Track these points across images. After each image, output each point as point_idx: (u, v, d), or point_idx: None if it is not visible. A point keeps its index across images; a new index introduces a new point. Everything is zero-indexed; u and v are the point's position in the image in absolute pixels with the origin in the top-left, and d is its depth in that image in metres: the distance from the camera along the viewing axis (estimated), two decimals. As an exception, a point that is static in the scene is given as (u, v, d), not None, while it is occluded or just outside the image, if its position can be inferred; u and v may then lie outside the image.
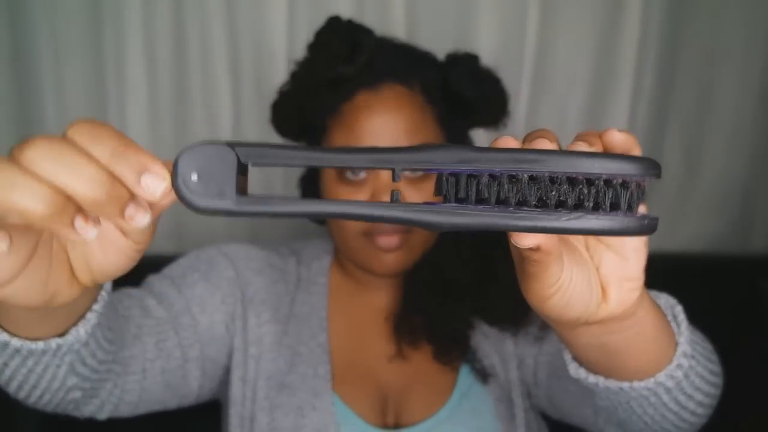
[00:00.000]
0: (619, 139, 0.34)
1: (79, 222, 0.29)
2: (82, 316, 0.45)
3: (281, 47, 1.02)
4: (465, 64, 0.74)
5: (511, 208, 0.30)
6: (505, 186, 0.30)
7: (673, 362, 0.46)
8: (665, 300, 0.52)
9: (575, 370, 0.49)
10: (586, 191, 0.30)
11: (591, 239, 0.38)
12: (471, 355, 0.74)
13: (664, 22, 1.04)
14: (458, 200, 0.30)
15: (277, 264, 0.79)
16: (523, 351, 0.74)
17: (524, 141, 0.33)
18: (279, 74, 0.99)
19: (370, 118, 0.68)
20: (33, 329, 0.44)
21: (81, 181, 0.29)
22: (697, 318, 0.54)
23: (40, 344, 0.44)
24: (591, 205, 0.30)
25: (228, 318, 0.72)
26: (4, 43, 0.99)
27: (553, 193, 0.30)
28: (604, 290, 0.38)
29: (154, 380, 0.63)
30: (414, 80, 0.70)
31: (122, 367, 0.58)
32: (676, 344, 0.47)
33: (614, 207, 0.30)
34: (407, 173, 0.69)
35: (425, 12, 1.03)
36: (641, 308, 0.40)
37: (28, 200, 0.28)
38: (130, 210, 0.30)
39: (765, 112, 1.10)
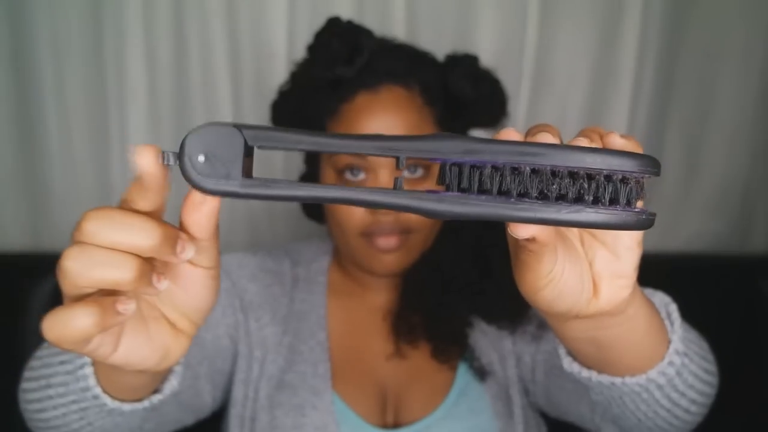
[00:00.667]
0: (620, 144, 0.34)
1: (155, 278, 0.33)
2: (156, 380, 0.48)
3: (281, 47, 1.02)
4: (464, 65, 0.74)
5: (513, 199, 0.30)
6: (507, 177, 0.30)
7: (664, 359, 0.47)
8: (659, 298, 0.52)
9: (569, 365, 0.50)
10: (586, 185, 0.30)
11: (586, 235, 0.38)
12: (469, 353, 0.74)
13: (664, 22, 1.04)
14: (461, 190, 0.31)
15: (270, 267, 0.79)
16: (521, 349, 0.74)
17: (527, 134, 0.33)
18: (279, 74, 0.99)
19: (370, 119, 0.68)
20: (131, 392, 0.48)
21: (139, 235, 0.32)
22: (696, 318, 0.55)
23: (145, 403, 0.48)
24: (591, 199, 0.30)
25: (231, 329, 0.73)
26: (4, 43, 0.99)
27: (554, 186, 0.30)
28: (595, 286, 0.38)
29: (169, 404, 0.63)
30: (413, 82, 0.71)
31: None
32: (669, 342, 0.47)
33: (613, 202, 0.30)
34: (406, 174, 0.70)
35: (425, 12, 1.03)
36: (632, 305, 0.41)
37: (117, 271, 0.31)
38: (180, 246, 0.33)
39: (765, 112, 1.10)
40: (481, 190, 0.30)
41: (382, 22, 1.01)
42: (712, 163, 1.12)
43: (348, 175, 0.70)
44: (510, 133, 0.32)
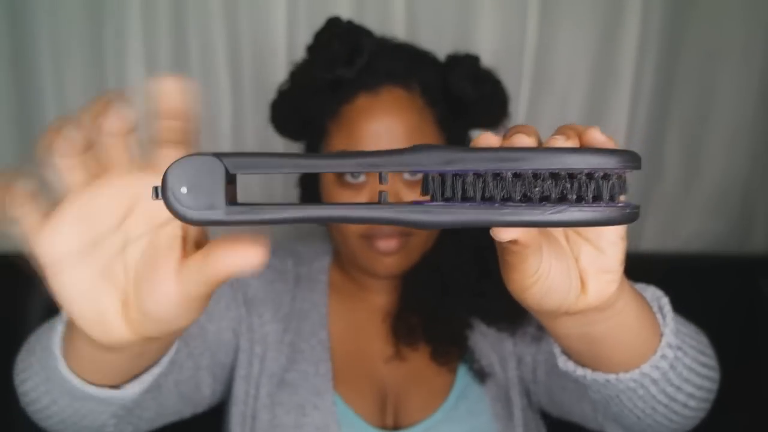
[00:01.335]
0: (600, 140, 0.34)
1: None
2: (137, 376, 0.47)
3: (281, 47, 1.02)
4: (465, 65, 0.74)
5: (497, 205, 0.30)
6: (490, 184, 0.30)
7: (657, 353, 0.47)
8: (651, 292, 0.52)
9: (563, 363, 0.50)
10: (568, 185, 0.31)
11: (570, 232, 0.39)
12: (469, 355, 0.74)
13: (664, 22, 1.04)
14: (445, 199, 0.31)
15: (273, 264, 0.79)
16: (522, 350, 0.74)
17: (504, 137, 0.34)
18: (279, 74, 0.99)
19: (370, 121, 0.68)
20: (95, 371, 0.45)
21: None
22: (696, 318, 0.54)
23: (93, 389, 0.46)
24: (574, 197, 0.31)
25: (234, 323, 0.73)
26: (4, 43, 0.99)
27: (537, 188, 0.30)
28: (583, 282, 0.39)
29: (170, 394, 0.63)
30: (414, 82, 0.70)
31: None
32: (662, 335, 0.47)
33: (597, 198, 0.31)
34: (407, 175, 0.69)
35: (425, 12, 1.03)
36: (621, 299, 0.41)
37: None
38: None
39: (765, 112, 1.10)
40: (465, 198, 0.31)
41: (382, 22, 1.01)
42: (712, 163, 1.12)
43: (348, 177, 0.70)
44: (488, 138, 0.33)
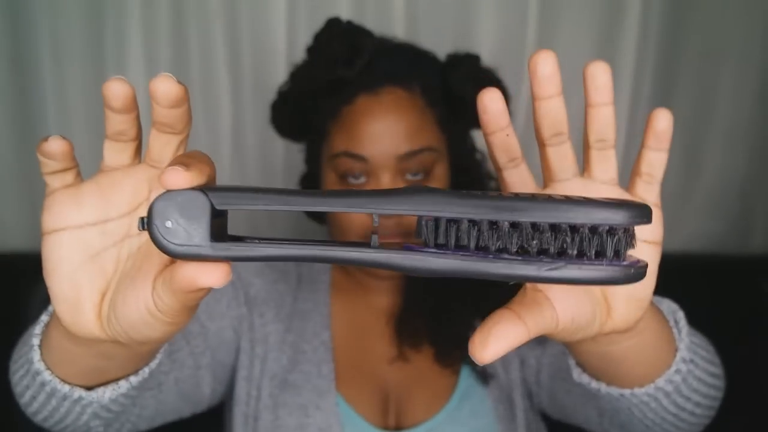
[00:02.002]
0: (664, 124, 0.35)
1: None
2: (115, 381, 0.46)
3: (281, 47, 1.02)
4: (466, 65, 0.73)
5: (491, 256, 0.29)
6: (485, 233, 0.29)
7: (671, 368, 0.47)
8: (667, 305, 0.53)
9: (578, 376, 0.50)
10: (569, 239, 0.28)
11: None
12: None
13: (664, 23, 1.04)
14: (438, 245, 0.30)
15: (275, 264, 0.79)
16: (526, 352, 0.74)
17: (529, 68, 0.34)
18: (279, 74, 0.99)
19: (371, 122, 0.68)
20: (66, 365, 0.44)
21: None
22: (696, 318, 0.55)
23: (65, 388, 0.45)
24: (575, 252, 0.29)
25: (235, 322, 0.73)
26: (4, 43, 0.99)
27: (535, 241, 0.28)
28: (609, 306, 0.38)
29: (170, 392, 0.63)
30: (414, 83, 0.70)
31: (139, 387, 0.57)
32: (676, 350, 0.48)
33: (600, 254, 0.29)
34: (408, 176, 0.69)
35: (425, 12, 1.03)
36: (643, 320, 0.41)
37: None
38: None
39: (764, 112, 1.10)
40: (459, 246, 0.29)
41: (382, 22, 1.01)
42: (711, 163, 1.12)
43: (350, 179, 0.70)
44: (492, 93, 0.34)
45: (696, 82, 1.08)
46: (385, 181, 0.68)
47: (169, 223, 0.29)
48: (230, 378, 0.74)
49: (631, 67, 1.05)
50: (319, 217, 0.83)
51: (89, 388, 0.46)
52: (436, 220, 0.30)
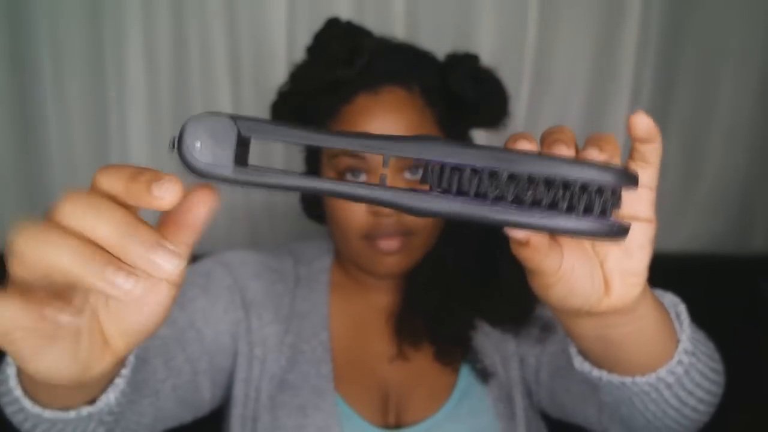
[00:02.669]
0: (645, 123, 0.35)
1: (120, 277, 0.28)
2: (110, 381, 0.47)
3: (281, 47, 1.02)
4: (465, 64, 0.74)
5: (488, 202, 0.31)
6: (485, 181, 0.31)
7: (674, 358, 0.47)
8: (669, 299, 0.53)
9: (580, 364, 0.50)
10: (561, 193, 0.31)
11: None
12: (472, 355, 0.74)
13: (664, 23, 1.04)
14: (441, 190, 0.32)
15: (273, 266, 0.79)
16: (525, 350, 0.74)
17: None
18: (279, 74, 0.99)
19: (370, 121, 0.68)
20: (64, 400, 0.45)
21: (103, 223, 0.28)
22: (697, 318, 0.55)
23: (72, 413, 0.46)
24: (565, 206, 0.31)
25: (232, 326, 0.73)
26: (4, 43, 0.99)
27: (530, 192, 0.31)
28: (607, 283, 0.39)
29: (168, 399, 0.63)
30: (414, 82, 0.70)
31: (136, 394, 0.57)
32: (678, 341, 0.48)
33: (588, 211, 0.31)
34: (407, 175, 0.70)
35: (425, 12, 1.03)
36: (643, 304, 0.41)
37: (63, 256, 0.28)
38: (158, 249, 0.29)
39: (764, 112, 1.10)
40: (460, 192, 0.32)
41: (382, 22, 1.01)
42: (711, 163, 1.12)
43: (349, 177, 0.70)
44: (521, 140, 0.34)
45: (696, 82, 1.09)
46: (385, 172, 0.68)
47: (198, 144, 0.31)
48: (229, 381, 0.74)
49: (631, 67, 1.05)
50: (319, 216, 0.83)
51: (90, 402, 0.47)
52: (442, 167, 0.32)
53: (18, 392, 0.45)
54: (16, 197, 1.06)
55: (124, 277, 0.28)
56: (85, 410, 0.46)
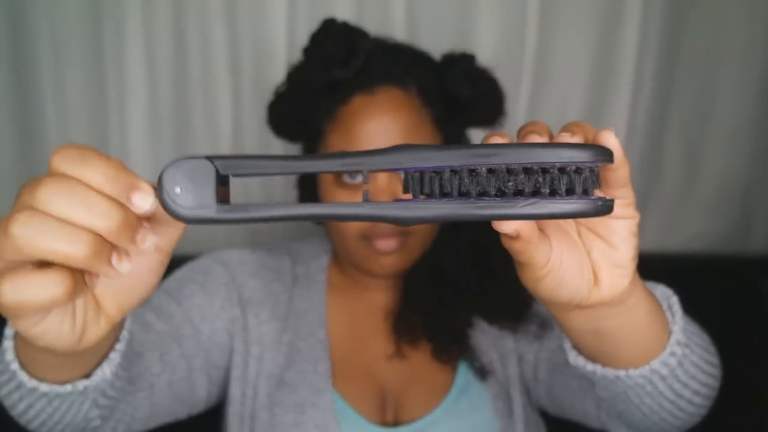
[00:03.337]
0: (612, 144, 0.35)
1: (114, 258, 0.32)
2: (105, 356, 0.47)
3: (281, 47, 1.02)
4: (461, 64, 0.74)
5: (472, 199, 0.32)
6: (466, 180, 0.32)
7: (666, 350, 0.48)
8: (661, 291, 0.53)
9: (574, 358, 0.50)
10: (541, 179, 0.32)
11: (582, 227, 0.40)
12: (469, 353, 0.74)
13: (664, 22, 1.04)
14: (424, 195, 0.33)
15: (270, 265, 0.79)
16: (523, 347, 0.74)
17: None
18: (279, 75, 0.99)
19: (367, 122, 0.68)
20: (60, 373, 0.46)
21: (97, 216, 0.30)
22: (696, 318, 0.55)
23: (68, 387, 0.46)
24: (547, 191, 0.32)
25: (229, 323, 0.73)
26: (4, 43, 0.99)
27: (511, 183, 0.32)
28: (596, 275, 0.39)
29: (163, 394, 0.63)
30: (410, 82, 0.70)
31: (130, 386, 0.58)
32: (671, 333, 0.48)
33: (570, 192, 0.32)
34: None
35: (425, 12, 1.03)
36: (633, 296, 0.41)
37: (70, 245, 0.30)
38: (141, 235, 0.32)
39: (765, 112, 1.10)
40: (443, 194, 0.32)
41: (382, 22, 1.01)
42: (712, 162, 1.12)
43: (346, 178, 0.70)
44: (494, 137, 0.34)
45: (696, 82, 1.08)
46: (382, 180, 0.68)
47: (178, 190, 0.32)
48: (225, 379, 0.74)
49: (631, 67, 1.05)
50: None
51: (86, 376, 0.47)
52: (421, 173, 0.32)
53: (15, 365, 0.46)
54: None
55: (123, 260, 0.32)
56: (81, 384, 0.46)
